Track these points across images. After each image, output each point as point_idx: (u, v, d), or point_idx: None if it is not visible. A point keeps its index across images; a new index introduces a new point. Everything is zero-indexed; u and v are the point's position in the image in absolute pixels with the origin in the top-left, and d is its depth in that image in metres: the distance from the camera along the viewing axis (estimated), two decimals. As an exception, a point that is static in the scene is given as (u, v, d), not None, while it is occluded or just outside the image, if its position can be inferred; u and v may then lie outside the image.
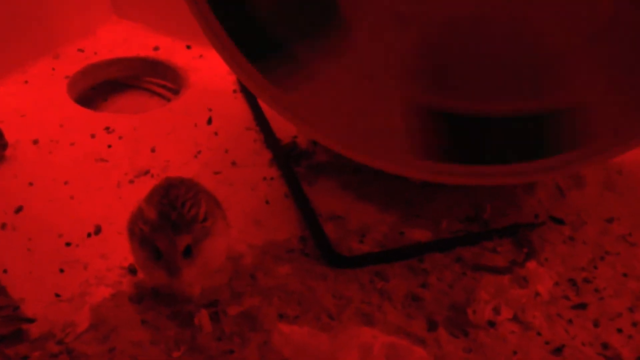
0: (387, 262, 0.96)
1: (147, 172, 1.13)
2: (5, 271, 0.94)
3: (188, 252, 0.80)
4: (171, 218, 0.79)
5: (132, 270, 0.94)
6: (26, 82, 1.36)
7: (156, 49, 1.46)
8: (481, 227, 1.04)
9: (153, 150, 1.18)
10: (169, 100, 1.39)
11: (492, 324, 0.88)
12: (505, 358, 0.85)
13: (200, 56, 1.43)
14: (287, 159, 1.14)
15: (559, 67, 0.89)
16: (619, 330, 0.89)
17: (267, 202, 1.08)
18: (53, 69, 1.39)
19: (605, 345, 0.86)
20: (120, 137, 1.21)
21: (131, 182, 1.11)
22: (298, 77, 0.95)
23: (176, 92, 1.39)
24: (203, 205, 0.82)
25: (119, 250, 0.95)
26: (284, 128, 1.19)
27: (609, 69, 0.88)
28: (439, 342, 0.86)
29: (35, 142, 1.19)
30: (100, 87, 1.43)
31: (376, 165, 0.99)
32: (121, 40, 1.49)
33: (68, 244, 0.99)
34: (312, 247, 0.99)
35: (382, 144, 0.97)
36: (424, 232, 1.02)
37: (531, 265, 0.96)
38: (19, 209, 1.05)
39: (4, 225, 1.02)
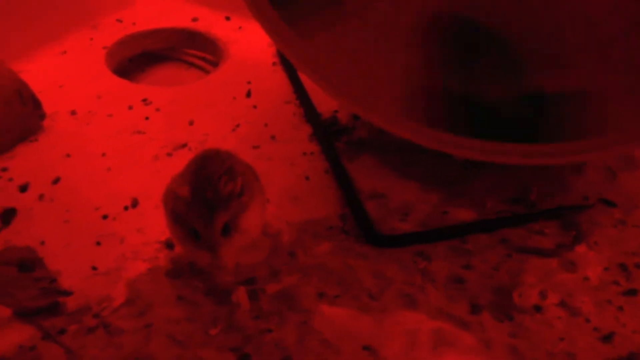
0: (429, 242, 0.94)
1: (184, 146, 1.11)
2: (42, 243, 0.94)
3: (226, 230, 0.78)
4: (207, 196, 0.77)
5: (169, 245, 0.93)
6: (64, 52, 1.35)
7: (195, 20, 1.44)
8: (527, 209, 1.01)
9: (191, 123, 1.16)
10: (207, 72, 1.37)
11: (538, 308, 0.86)
12: (552, 344, 0.82)
13: (240, 28, 1.41)
14: (328, 134, 1.12)
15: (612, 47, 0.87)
16: (672, 318, 0.84)
17: (306, 178, 1.05)
18: (91, 39, 1.38)
19: (657, 334, 0.82)
20: (157, 110, 1.20)
21: (169, 155, 1.10)
22: (317, 23, 0.96)
23: (215, 64, 1.37)
24: (239, 179, 0.79)
25: (156, 225, 0.93)
26: (325, 102, 1.17)
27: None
28: (483, 326, 0.84)
29: (73, 113, 1.19)
30: (137, 59, 1.42)
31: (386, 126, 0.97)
32: (160, 11, 1.47)
33: (105, 217, 0.98)
34: (353, 225, 0.97)
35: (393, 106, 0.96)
36: (467, 211, 1.00)
37: (580, 249, 0.93)
38: (56, 180, 1.04)
39: (41, 196, 1.01)
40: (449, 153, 0.96)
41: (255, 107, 1.21)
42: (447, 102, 0.99)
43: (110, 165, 1.07)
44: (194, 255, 0.83)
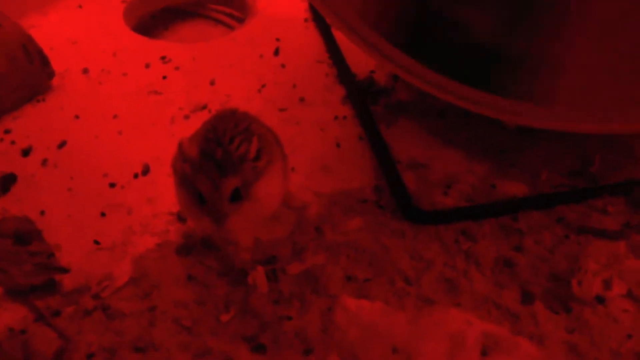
0: (475, 219, 0.86)
1: (204, 107, 1.04)
2: (42, 213, 0.87)
3: (236, 196, 0.70)
4: (216, 156, 0.69)
5: (181, 218, 0.86)
6: (80, 6, 1.27)
7: (221, -28, 1.34)
8: (588, 183, 0.91)
9: (212, 83, 1.09)
10: (233, 29, 1.27)
11: (601, 299, 0.76)
12: (617, 342, 0.72)
13: (270, -19, 1.31)
14: (363, 97, 1.04)
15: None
16: None
17: (337, 145, 0.97)
18: (110, -8, 1.29)
19: None
20: (176, 68, 1.12)
21: (186, 117, 1.02)
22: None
23: (241, 20, 1.29)
24: (255, 141, 0.71)
25: (168, 195, 0.85)
26: (360, 62, 1.09)
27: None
28: (535, 318, 0.75)
29: (85, 71, 1.11)
30: (160, 15, 1.34)
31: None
32: (184, -37, 1.38)
33: (112, 185, 0.91)
34: (388, 198, 0.89)
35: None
36: (519, 185, 0.91)
37: (651, 230, 0.81)
38: (62, 144, 0.97)
39: (45, 162, 0.94)
40: (491, 115, 0.88)
41: (283, 66, 1.12)
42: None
43: (122, 129, 1.00)
44: (199, 224, 0.76)
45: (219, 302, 0.76)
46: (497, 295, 0.77)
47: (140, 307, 0.76)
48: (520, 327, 0.73)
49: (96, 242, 0.83)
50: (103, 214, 0.87)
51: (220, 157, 0.69)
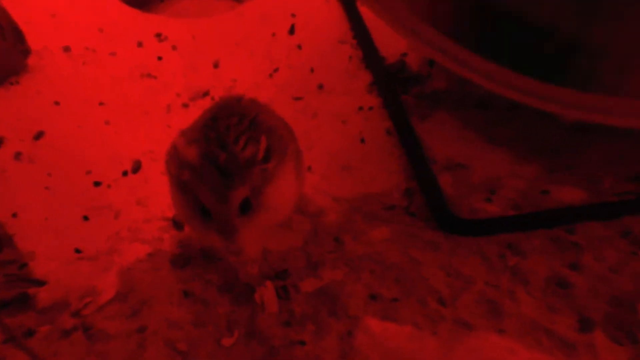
0: (523, 230, 0.86)
1: (206, 94, 1.05)
2: (14, 215, 0.87)
3: (246, 207, 0.70)
4: (219, 162, 0.68)
5: (177, 224, 0.86)
6: (61, -27, 1.26)
7: None
8: None
9: (216, 66, 1.09)
10: (240, 2, 1.28)
11: None
12: None
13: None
14: (393, 84, 1.04)
15: None
16: None
17: (362, 141, 0.98)
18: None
19: None
20: (174, 48, 1.12)
21: (185, 106, 1.03)
22: None
23: (251, -8, 1.28)
24: (263, 139, 0.70)
25: (162, 196, 0.86)
26: (390, 43, 1.09)
27: None
28: (594, 349, 0.75)
29: (66, 49, 1.12)
30: (156, -16, 1.34)
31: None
32: None
33: (97, 184, 0.92)
34: (421, 204, 0.89)
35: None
36: (575, 191, 0.91)
37: None
38: (39, 135, 0.98)
39: (18, 155, 0.95)
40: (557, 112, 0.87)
41: (299, 47, 1.13)
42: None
43: (109, 118, 1.01)
44: (204, 238, 0.76)
45: (221, 323, 0.77)
46: (549, 320, 0.77)
47: (128, 328, 0.76)
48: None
49: (77, 251, 0.84)
50: (86, 218, 0.87)
51: (225, 163, 0.68)
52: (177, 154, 0.70)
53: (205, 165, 0.68)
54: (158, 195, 0.88)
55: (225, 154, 0.68)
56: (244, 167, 0.69)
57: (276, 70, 1.09)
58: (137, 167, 0.94)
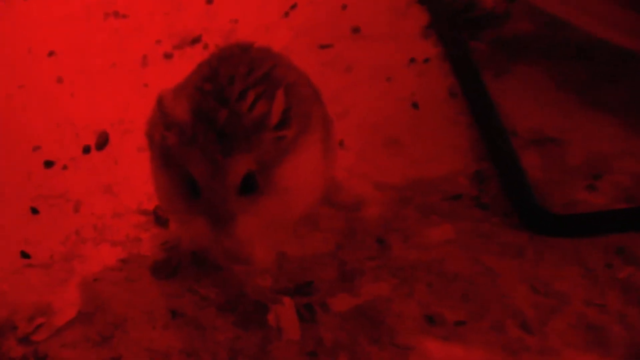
0: (638, 230, 0.75)
1: (196, 41, 0.95)
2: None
3: (249, 185, 0.60)
4: (217, 120, 0.60)
5: (159, 219, 0.77)
6: None
7: None
8: None
9: (209, 1, 1.00)
10: None
11: None
12: None
13: None
14: (458, 27, 0.94)
15: None
16: None
17: (414, 106, 0.87)
18: None
19: None
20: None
21: (167, 56, 0.93)
22: None
23: None
24: (280, 96, 0.61)
25: (138, 181, 0.78)
26: None
27: None
28: None
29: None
30: None
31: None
32: None
33: (49, 164, 0.83)
34: (496, 194, 0.79)
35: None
36: None
37: None
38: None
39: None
40: None
41: None
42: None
43: (62, 74, 0.92)
44: (188, 226, 0.67)
45: (221, 353, 0.67)
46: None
47: (95, 358, 0.67)
48: None
49: (24, 255, 0.75)
50: (34, 211, 0.79)
51: (225, 122, 0.60)
52: (163, 112, 0.62)
53: (197, 125, 0.60)
54: (133, 180, 0.80)
55: (225, 110, 0.60)
56: (249, 130, 0.60)
57: (294, 6, 1.00)
58: (102, 142, 0.85)
